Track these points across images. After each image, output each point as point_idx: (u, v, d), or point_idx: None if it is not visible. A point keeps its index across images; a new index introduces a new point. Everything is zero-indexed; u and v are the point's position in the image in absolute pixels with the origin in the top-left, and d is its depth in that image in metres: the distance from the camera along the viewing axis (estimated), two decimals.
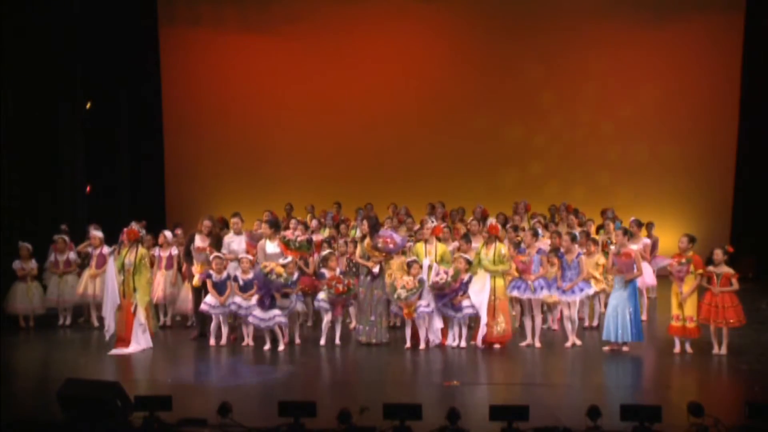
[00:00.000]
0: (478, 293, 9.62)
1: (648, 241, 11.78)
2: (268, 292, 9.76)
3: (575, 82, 16.90)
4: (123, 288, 9.71)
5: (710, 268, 9.36)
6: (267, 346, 9.76)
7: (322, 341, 9.95)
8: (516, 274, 9.98)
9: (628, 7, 16.62)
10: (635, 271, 9.40)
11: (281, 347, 9.73)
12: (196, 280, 10.43)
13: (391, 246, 9.90)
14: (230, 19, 17.41)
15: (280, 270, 9.71)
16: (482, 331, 9.60)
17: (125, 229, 10.13)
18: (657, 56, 16.56)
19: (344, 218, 13.73)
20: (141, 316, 9.72)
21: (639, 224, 11.49)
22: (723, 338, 9.27)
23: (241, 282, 9.96)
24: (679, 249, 9.48)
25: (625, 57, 16.67)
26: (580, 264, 10.01)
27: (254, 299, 9.85)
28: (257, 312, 9.75)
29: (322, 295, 9.98)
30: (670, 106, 16.69)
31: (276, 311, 9.75)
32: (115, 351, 9.61)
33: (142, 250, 9.84)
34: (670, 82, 16.63)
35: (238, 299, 9.93)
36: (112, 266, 9.77)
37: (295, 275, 10.01)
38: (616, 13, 16.64)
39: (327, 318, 10.08)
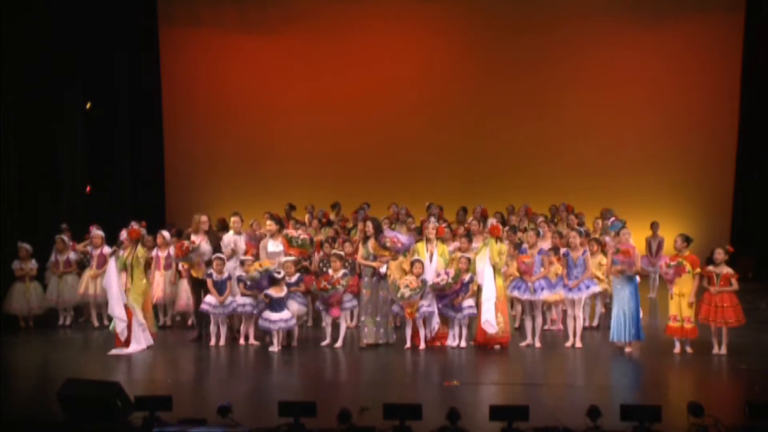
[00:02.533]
0: (487, 287, 9.57)
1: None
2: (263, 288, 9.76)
3: (575, 82, 16.88)
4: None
5: (710, 267, 9.36)
6: (270, 347, 9.75)
7: (324, 342, 9.94)
8: (516, 274, 9.99)
9: (628, 7, 16.63)
10: (635, 267, 9.38)
11: (274, 349, 9.68)
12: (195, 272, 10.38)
13: (399, 245, 9.89)
14: (230, 19, 17.41)
15: (253, 269, 9.72)
16: (487, 317, 9.53)
17: (126, 229, 10.24)
18: (657, 56, 16.57)
19: (343, 218, 13.74)
20: (139, 315, 9.73)
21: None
22: (723, 338, 9.27)
23: (247, 283, 9.95)
24: (675, 249, 9.49)
25: (625, 57, 16.69)
26: (586, 261, 10.03)
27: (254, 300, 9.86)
28: (267, 314, 9.72)
29: None
30: (670, 105, 16.69)
31: (285, 315, 9.70)
32: (114, 351, 9.62)
33: (139, 249, 9.88)
34: (670, 82, 16.63)
35: (244, 299, 9.92)
36: (113, 267, 9.73)
37: (296, 276, 10.00)
38: (616, 13, 16.65)
39: (327, 320, 10.09)
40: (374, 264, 9.94)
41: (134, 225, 10.40)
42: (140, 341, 9.71)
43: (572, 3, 16.84)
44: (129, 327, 9.65)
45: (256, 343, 10.04)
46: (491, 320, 9.45)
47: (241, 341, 10.07)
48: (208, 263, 10.23)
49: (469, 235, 10.31)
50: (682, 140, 16.69)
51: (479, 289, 9.73)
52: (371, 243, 9.98)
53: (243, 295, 9.96)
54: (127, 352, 9.56)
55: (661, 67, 16.60)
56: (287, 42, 17.28)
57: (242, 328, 10.16)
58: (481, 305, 9.55)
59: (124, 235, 11.41)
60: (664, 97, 16.71)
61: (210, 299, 10.02)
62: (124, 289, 9.71)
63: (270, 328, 9.69)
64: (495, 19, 16.92)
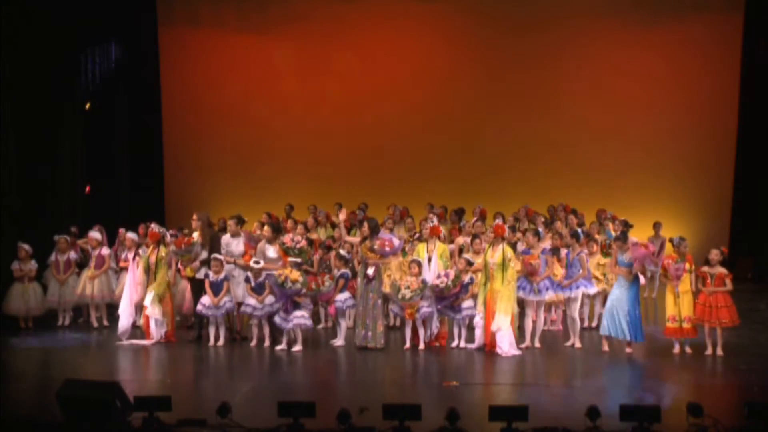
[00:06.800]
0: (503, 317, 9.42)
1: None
2: (288, 299, 9.68)
3: (574, 82, 16.88)
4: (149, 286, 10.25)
5: (705, 268, 9.37)
6: (282, 347, 9.71)
7: (337, 343, 9.99)
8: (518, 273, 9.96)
9: (627, 7, 16.62)
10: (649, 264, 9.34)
11: (298, 348, 9.67)
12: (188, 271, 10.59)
13: (387, 249, 9.82)
14: (229, 19, 17.40)
15: (296, 276, 9.57)
16: (504, 338, 9.40)
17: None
18: (657, 56, 16.56)
19: (344, 218, 13.70)
20: (156, 310, 10.02)
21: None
22: (717, 339, 9.26)
23: (253, 283, 9.92)
24: (678, 252, 9.48)
25: (625, 56, 16.67)
26: (581, 261, 10.00)
27: (268, 300, 9.82)
28: (282, 313, 9.71)
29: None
30: (669, 105, 16.69)
31: (298, 312, 9.70)
32: (128, 341, 10.07)
33: (162, 249, 10.22)
34: (670, 81, 16.63)
35: (252, 301, 9.90)
36: (133, 268, 10.36)
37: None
38: (616, 13, 16.63)
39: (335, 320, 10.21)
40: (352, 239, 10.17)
41: (154, 227, 10.49)
42: (153, 334, 10.11)
43: (572, 2, 16.82)
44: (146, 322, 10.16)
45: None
46: (508, 347, 9.36)
47: (253, 342, 10.02)
48: (203, 263, 10.26)
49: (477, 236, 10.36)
50: (682, 140, 16.68)
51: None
52: (364, 244, 9.97)
53: (250, 296, 9.95)
54: (141, 343, 9.98)
55: (661, 66, 16.59)
56: (287, 42, 17.27)
57: (254, 330, 10.06)
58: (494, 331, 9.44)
59: (122, 234, 11.52)
60: (663, 96, 16.69)
61: (205, 300, 10.02)
62: (144, 287, 10.25)
63: (282, 326, 9.71)
64: (494, 18, 16.91)
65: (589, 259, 10.33)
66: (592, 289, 10.26)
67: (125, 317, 10.27)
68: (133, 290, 10.42)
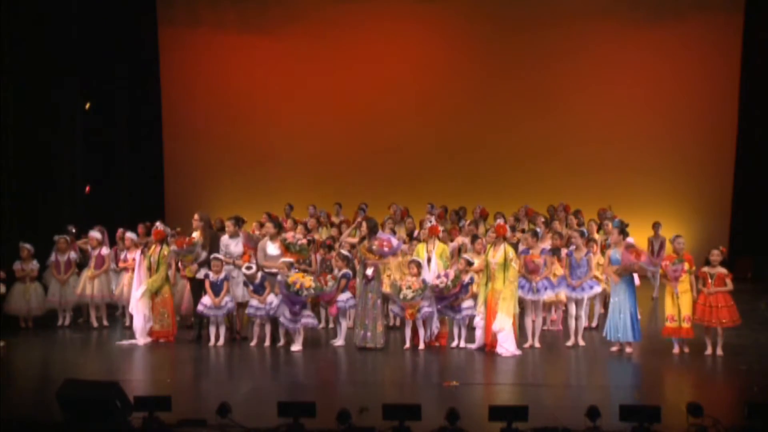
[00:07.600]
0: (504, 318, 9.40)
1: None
2: (298, 302, 9.68)
3: (573, 82, 16.90)
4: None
5: (705, 268, 9.37)
6: (297, 347, 9.70)
7: (337, 342, 9.99)
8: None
9: (627, 7, 16.66)
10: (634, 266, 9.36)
11: (298, 348, 9.69)
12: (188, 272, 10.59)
13: (386, 249, 9.79)
14: (230, 20, 17.43)
15: (309, 283, 9.55)
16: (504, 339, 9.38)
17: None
18: (656, 56, 16.59)
19: (344, 219, 13.73)
20: (143, 305, 10.04)
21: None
22: (718, 339, 9.26)
23: (251, 286, 9.92)
24: (675, 251, 9.49)
25: (624, 57, 16.70)
26: (589, 262, 10.00)
27: (270, 299, 9.82)
28: (288, 313, 9.71)
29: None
30: (669, 105, 16.71)
31: (306, 312, 9.74)
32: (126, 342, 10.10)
33: (165, 248, 10.21)
34: (669, 81, 16.66)
35: (255, 302, 9.89)
36: (139, 266, 10.27)
37: None
38: (615, 13, 16.66)
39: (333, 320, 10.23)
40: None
41: (159, 225, 10.51)
42: (139, 335, 10.09)
43: (571, 2, 16.84)
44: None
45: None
46: (510, 348, 9.35)
47: (254, 342, 10.05)
48: (202, 264, 10.26)
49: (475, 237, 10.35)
50: (682, 140, 16.71)
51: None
52: (363, 244, 9.95)
53: (252, 297, 9.96)
54: (137, 343, 10.02)
55: (661, 66, 16.61)
56: (287, 42, 17.29)
57: (256, 330, 10.07)
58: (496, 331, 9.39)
59: (121, 234, 11.52)
60: (663, 96, 16.72)
61: (206, 300, 10.03)
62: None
63: (288, 326, 9.72)
64: (494, 18, 16.94)
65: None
66: (600, 289, 10.27)
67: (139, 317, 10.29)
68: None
